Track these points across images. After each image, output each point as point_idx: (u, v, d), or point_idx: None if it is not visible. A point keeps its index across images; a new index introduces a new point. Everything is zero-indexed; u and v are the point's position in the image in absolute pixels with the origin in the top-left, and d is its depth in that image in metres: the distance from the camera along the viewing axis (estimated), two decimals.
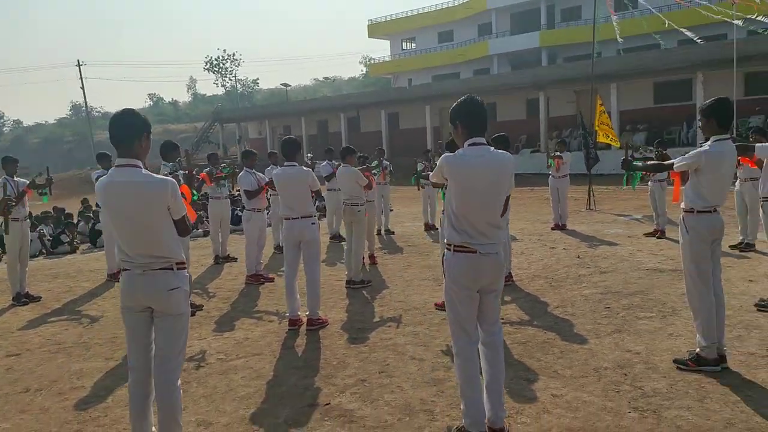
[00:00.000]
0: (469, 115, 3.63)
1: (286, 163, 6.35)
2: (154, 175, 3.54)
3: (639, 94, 26.80)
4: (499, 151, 3.64)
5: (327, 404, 4.38)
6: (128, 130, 3.47)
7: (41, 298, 8.31)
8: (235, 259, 10.25)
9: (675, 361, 4.66)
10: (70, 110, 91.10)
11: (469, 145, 3.58)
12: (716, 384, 4.30)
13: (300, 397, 4.53)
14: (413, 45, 47.68)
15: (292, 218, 6.27)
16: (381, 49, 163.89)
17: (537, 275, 8.02)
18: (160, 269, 3.45)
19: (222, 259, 10.24)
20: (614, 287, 7.08)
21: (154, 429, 3.63)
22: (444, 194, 5.40)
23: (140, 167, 3.46)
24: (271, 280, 8.55)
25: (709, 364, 4.49)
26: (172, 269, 3.48)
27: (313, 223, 6.30)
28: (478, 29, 42.67)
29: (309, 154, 12.78)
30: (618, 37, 19.97)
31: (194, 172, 6.23)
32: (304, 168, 6.37)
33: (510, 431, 3.74)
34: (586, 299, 6.68)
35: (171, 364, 3.49)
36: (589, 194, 15.05)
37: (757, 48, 22.19)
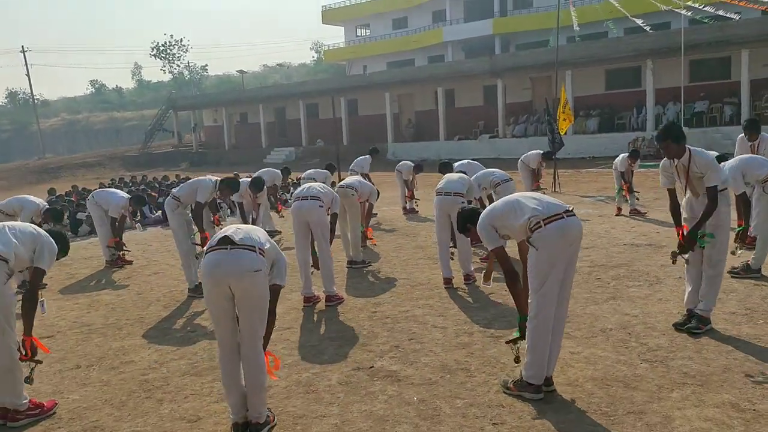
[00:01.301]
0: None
1: None
2: None
3: (591, 81, 27.86)
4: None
5: (371, 367, 4.87)
6: None
7: (46, 285, 8.47)
8: None
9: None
10: (6, 98, 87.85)
11: None
12: (709, 339, 4.97)
13: (344, 364, 5.00)
14: (368, 32, 47.95)
15: (302, 198, 6.76)
16: (333, 36, 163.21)
17: None
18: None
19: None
20: (599, 261, 7.76)
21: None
22: None
23: None
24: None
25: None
26: None
27: (320, 206, 6.75)
28: (433, 16, 43.22)
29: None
30: (575, 25, 20.85)
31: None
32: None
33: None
34: (577, 272, 7.29)
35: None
36: (554, 177, 15.85)
37: (701, 36, 23.39)
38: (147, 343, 5.83)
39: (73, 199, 16.84)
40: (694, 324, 5.11)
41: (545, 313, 4.10)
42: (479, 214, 4.39)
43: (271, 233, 10.69)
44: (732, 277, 6.57)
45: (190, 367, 5.12)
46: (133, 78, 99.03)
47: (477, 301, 6.51)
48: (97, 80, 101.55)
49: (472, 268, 7.31)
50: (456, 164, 10.10)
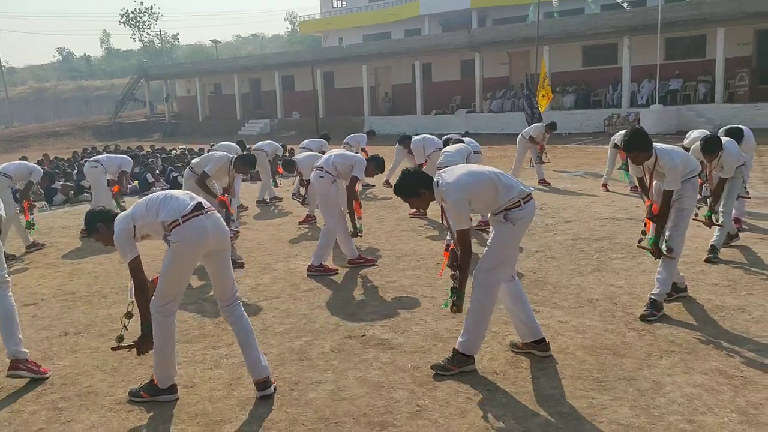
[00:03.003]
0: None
1: None
2: None
3: (568, 57, 27.92)
4: None
5: (363, 335, 4.90)
6: None
7: (15, 256, 8.28)
8: None
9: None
10: None
11: None
12: (694, 309, 5.09)
13: (335, 332, 5.02)
14: (344, 3, 47.34)
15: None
16: (307, 8, 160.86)
17: None
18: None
19: None
20: (582, 234, 7.86)
21: None
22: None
23: None
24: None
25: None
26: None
27: (321, 176, 6.74)
28: None
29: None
30: (554, 1, 20.82)
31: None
32: None
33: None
34: (560, 244, 7.43)
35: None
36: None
37: (677, 14, 23.55)
38: (135, 310, 5.76)
39: (45, 167, 16.47)
40: (648, 311, 4.97)
41: (496, 284, 4.17)
42: (431, 180, 4.15)
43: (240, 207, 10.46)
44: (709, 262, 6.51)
45: (181, 334, 5.08)
46: (101, 46, 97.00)
47: None
48: (64, 48, 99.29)
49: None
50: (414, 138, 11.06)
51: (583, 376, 4.02)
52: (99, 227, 4.01)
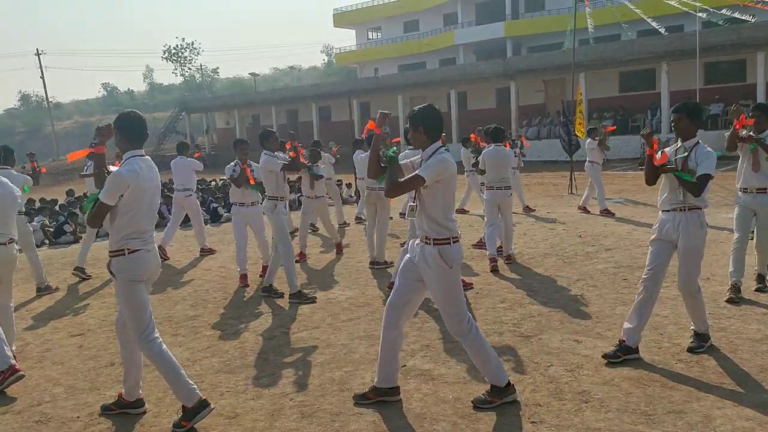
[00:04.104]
0: (436, 120, 4.06)
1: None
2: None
3: (605, 84, 27.81)
4: None
5: (404, 366, 4.87)
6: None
7: (58, 288, 8.40)
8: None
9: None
10: (19, 100, 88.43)
11: (436, 150, 4.00)
12: (743, 339, 4.96)
13: (376, 362, 5.00)
14: (379, 35, 48.06)
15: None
16: (344, 39, 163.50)
17: (548, 253, 8.65)
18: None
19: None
20: (624, 262, 7.74)
21: None
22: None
23: None
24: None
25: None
26: None
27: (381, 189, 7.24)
28: (444, 19, 43.26)
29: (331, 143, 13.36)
30: (590, 27, 20.83)
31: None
32: None
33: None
34: (602, 273, 7.32)
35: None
36: (570, 179, 15.81)
37: (715, 39, 23.31)
38: (177, 340, 5.86)
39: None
40: (695, 344, 4.85)
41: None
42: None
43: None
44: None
45: (223, 365, 5.15)
46: (144, 81, 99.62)
47: (504, 301, 6.51)
48: (108, 83, 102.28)
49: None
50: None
51: (630, 409, 3.94)
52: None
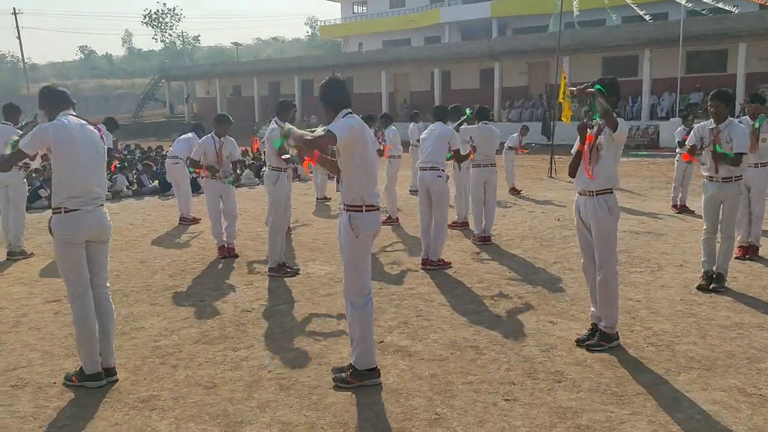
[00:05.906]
0: (334, 91, 4.13)
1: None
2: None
3: (588, 68, 27.85)
4: None
5: (381, 342, 4.93)
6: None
7: (33, 253, 8.29)
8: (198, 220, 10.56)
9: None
10: None
11: (344, 116, 4.06)
12: (713, 325, 5.09)
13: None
14: (365, 9, 47.60)
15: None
16: (328, 12, 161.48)
17: (526, 236, 8.76)
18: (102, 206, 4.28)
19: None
20: None
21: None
22: None
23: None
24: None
25: None
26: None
27: (439, 176, 7.15)
28: None
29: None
30: (575, 11, 20.84)
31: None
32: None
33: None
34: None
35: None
36: (551, 163, 15.92)
37: (699, 28, 23.49)
38: (156, 310, 5.86)
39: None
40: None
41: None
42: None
43: None
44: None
45: (201, 335, 5.17)
46: (123, 45, 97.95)
47: (482, 281, 6.59)
48: (86, 46, 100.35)
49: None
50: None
51: (600, 389, 4.04)
52: None
